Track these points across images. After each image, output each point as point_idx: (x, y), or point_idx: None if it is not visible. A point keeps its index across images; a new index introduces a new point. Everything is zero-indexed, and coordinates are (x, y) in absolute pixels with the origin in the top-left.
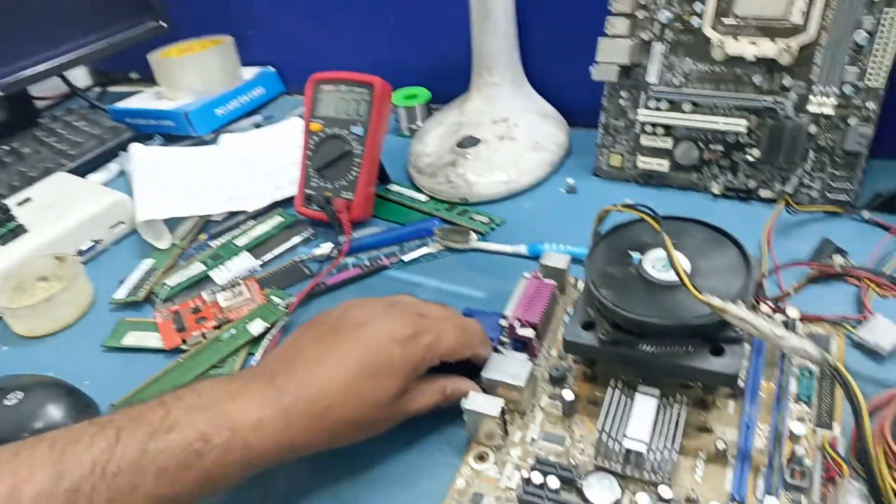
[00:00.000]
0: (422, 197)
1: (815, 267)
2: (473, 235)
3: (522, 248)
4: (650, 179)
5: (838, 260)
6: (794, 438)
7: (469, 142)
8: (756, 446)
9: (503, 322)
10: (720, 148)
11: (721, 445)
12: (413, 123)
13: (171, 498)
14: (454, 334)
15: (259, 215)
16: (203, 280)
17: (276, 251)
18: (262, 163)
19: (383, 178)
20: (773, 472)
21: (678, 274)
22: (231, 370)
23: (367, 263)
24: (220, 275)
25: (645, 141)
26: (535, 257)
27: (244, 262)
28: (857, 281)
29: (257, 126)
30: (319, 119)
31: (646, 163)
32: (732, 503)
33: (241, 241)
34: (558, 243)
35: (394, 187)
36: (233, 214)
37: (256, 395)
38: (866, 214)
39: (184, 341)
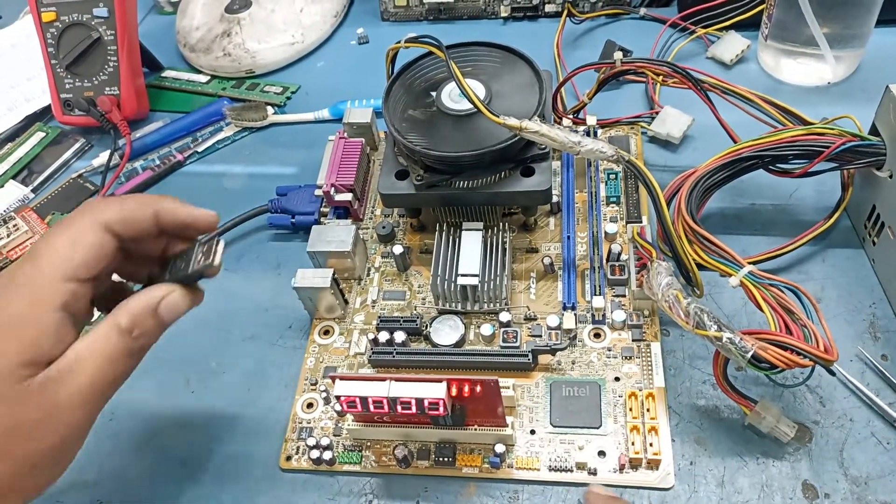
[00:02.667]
0: (202, 78)
1: (597, 67)
2: (270, 109)
3: (325, 113)
4: (440, 14)
5: (618, 56)
6: (610, 237)
7: (239, 4)
8: (578, 254)
9: (318, 192)
10: None
11: (547, 261)
12: None
13: None
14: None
15: (15, 136)
16: None
17: (47, 172)
18: (5, 75)
19: (152, 65)
20: (595, 273)
21: (471, 100)
22: None
23: (159, 163)
24: None
25: None
26: (339, 119)
27: (12, 193)
28: (643, 76)
29: None
30: (50, 6)
31: None
32: (566, 311)
33: (2, 170)
34: (361, 99)
35: (168, 73)
36: None
37: None
38: (643, 11)
39: None
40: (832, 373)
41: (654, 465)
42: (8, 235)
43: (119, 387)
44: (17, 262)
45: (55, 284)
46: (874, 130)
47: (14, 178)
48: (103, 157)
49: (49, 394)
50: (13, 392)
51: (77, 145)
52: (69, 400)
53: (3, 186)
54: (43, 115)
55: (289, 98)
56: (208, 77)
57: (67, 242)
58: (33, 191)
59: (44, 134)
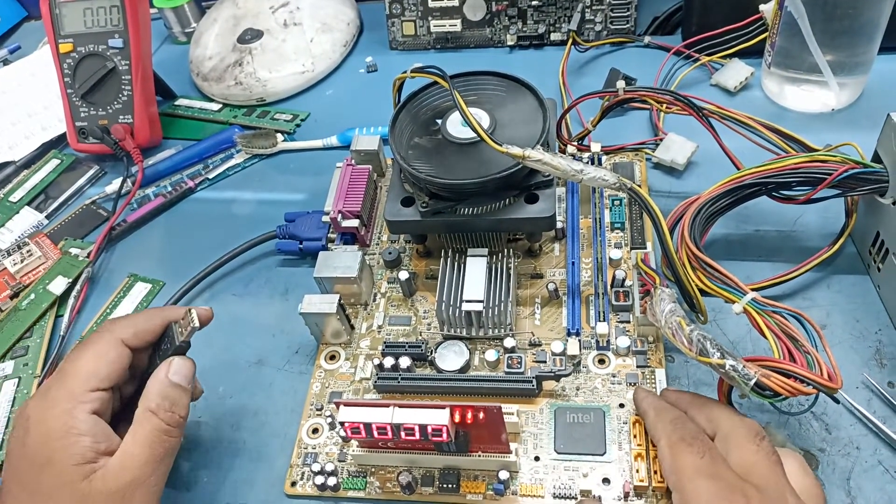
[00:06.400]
0: (214, 106)
1: (601, 95)
2: (279, 136)
3: (333, 140)
4: (447, 43)
5: (620, 84)
6: (614, 263)
7: (251, 35)
8: (583, 280)
9: (326, 218)
10: None
11: (552, 287)
12: (186, 26)
13: None
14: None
15: (31, 163)
16: None
17: (62, 198)
18: (23, 103)
19: (166, 93)
20: (599, 299)
21: (473, 128)
22: (41, 337)
23: (171, 190)
24: (2, 238)
25: (432, 2)
26: (347, 146)
27: (27, 219)
28: (647, 104)
29: (5, 62)
30: (68, 38)
31: (438, 25)
32: (570, 337)
33: (17, 196)
34: (369, 126)
35: (181, 102)
36: None
37: None
38: (647, 39)
39: None
40: (836, 401)
41: (658, 492)
42: (22, 261)
43: (170, 463)
44: (49, 380)
45: (85, 395)
46: (877, 157)
47: (29, 204)
48: (116, 183)
49: (111, 483)
50: (80, 491)
51: (91, 172)
52: (131, 484)
53: (18, 213)
54: (58, 142)
55: (298, 125)
56: (220, 105)
57: (92, 359)
58: (47, 217)
59: (59, 161)
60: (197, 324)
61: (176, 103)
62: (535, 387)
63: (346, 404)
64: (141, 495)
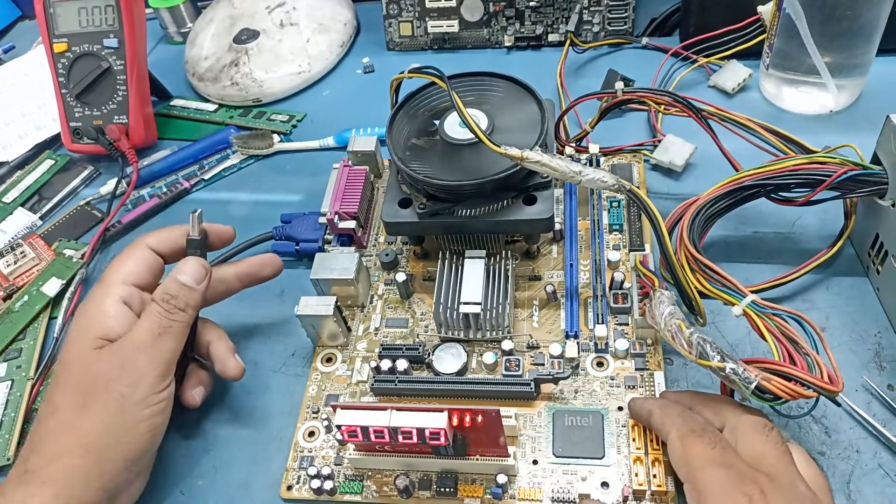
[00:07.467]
0: (210, 106)
1: (600, 96)
2: (276, 137)
3: (330, 140)
4: (444, 44)
5: (619, 86)
6: (613, 265)
7: (247, 35)
8: (581, 282)
9: (322, 220)
10: None
11: (550, 289)
12: (182, 26)
13: None
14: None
15: (25, 163)
16: None
17: (56, 199)
18: (17, 103)
19: (161, 93)
20: (598, 301)
21: (472, 129)
22: (35, 339)
23: (166, 190)
24: None
25: (430, 3)
26: (344, 147)
27: (20, 220)
28: (645, 105)
29: None
30: (62, 37)
31: (436, 26)
32: (568, 339)
33: (11, 197)
34: (366, 127)
35: (176, 102)
36: None
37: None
38: (645, 40)
39: None
40: (837, 403)
41: (658, 496)
42: (15, 262)
43: (173, 340)
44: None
45: (115, 286)
46: (876, 159)
47: (23, 205)
48: (111, 184)
49: (116, 353)
50: (89, 356)
51: (85, 173)
52: (132, 353)
53: (12, 213)
54: (53, 142)
55: (294, 126)
56: (216, 106)
57: (120, 260)
58: (41, 218)
59: (53, 161)
60: (198, 210)
61: (171, 104)
62: (533, 390)
63: (344, 407)
64: (144, 359)
